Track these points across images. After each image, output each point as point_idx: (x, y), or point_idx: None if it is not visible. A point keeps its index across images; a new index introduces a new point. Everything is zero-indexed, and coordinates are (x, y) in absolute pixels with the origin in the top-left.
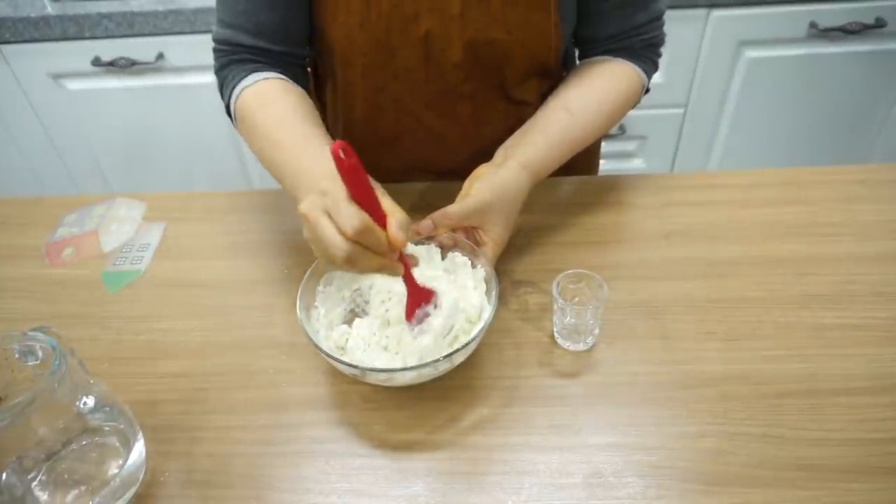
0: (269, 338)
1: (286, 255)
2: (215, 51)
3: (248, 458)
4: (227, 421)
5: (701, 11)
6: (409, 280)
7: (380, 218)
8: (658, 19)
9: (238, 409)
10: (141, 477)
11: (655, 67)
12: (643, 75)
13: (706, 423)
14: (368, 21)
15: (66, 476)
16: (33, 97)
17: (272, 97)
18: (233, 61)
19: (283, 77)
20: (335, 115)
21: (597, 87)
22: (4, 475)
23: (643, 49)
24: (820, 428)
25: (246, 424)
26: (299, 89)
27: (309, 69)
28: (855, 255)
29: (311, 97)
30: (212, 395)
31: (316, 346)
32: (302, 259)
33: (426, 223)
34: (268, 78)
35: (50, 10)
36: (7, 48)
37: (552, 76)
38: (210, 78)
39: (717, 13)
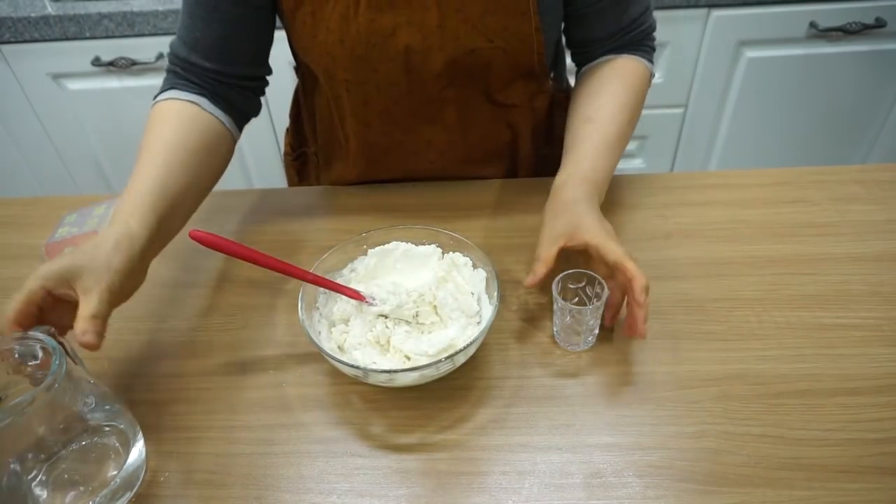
0: (270, 338)
1: (287, 254)
2: (167, 56)
3: (249, 458)
4: (228, 421)
5: (701, 11)
6: (335, 287)
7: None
8: (648, 7)
9: (238, 409)
10: (141, 477)
11: (654, 51)
12: (648, 64)
13: (705, 422)
14: (348, 37)
15: (66, 476)
16: (33, 97)
17: (157, 122)
18: (169, 70)
19: (195, 100)
20: (330, 127)
21: (610, 90)
22: (5, 476)
23: (642, 40)
24: (818, 428)
25: (246, 424)
26: (197, 115)
27: (297, 83)
28: (853, 254)
29: (300, 106)
30: (212, 395)
31: (318, 346)
32: (303, 259)
33: (532, 279)
34: (178, 98)
35: (50, 10)
36: (7, 48)
37: (538, 78)
38: None
39: (717, 13)
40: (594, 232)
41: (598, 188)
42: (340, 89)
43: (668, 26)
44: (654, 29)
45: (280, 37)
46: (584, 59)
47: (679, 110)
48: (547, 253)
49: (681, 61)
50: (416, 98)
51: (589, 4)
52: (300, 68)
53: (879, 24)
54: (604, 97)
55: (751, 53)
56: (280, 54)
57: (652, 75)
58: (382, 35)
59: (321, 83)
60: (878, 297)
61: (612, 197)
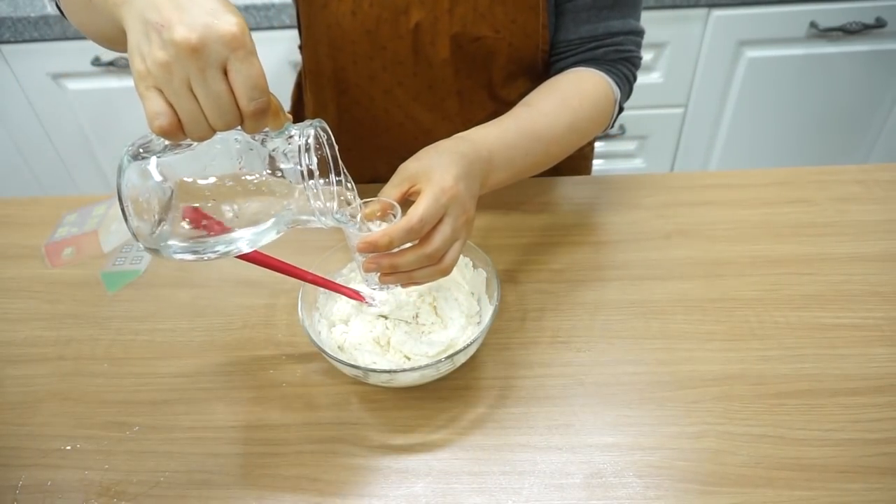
0: (270, 338)
1: (287, 254)
2: None
3: (248, 458)
4: (228, 421)
5: (701, 11)
6: (335, 287)
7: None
8: (634, 34)
9: (238, 410)
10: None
11: (629, 85)
12: (613, 86)
13: (706, 423)
14: (360, 10)
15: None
16: (33, 97)
17: None
18: None
19: None
20: (321, 105)
21: (559, 87)
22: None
23: (616, 61)
24: (818, 428)
25: (246, 424)
26: None
27: (300, 67)
28: (853, 254)
29: (302, 90)
30: (212, 396)
31: (318, 346)
32: (304, 259)
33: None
34: None
35: (50, 10)
36: (7, 48)
37: (541, 77)
38: None
39: (717, 13)
40: (432, 181)
41: (482, 158)
42: (347, 61)
43: (668, 26)
44: (636, 60)
45: (281, 36)
46: (554, 67)
47: (679, 110)
48: (385, 194)
49: (681, 61)
50: (420, 81)
51: (564, 2)
52: (305, 47)
53: (879, 24)
54: (552, 92)
55: (751, 53)
56: (280, 53)
57: (615, 102)
58: (395, 11)
59: (320, 59)
60: (878, 297)
61: (613, 197)
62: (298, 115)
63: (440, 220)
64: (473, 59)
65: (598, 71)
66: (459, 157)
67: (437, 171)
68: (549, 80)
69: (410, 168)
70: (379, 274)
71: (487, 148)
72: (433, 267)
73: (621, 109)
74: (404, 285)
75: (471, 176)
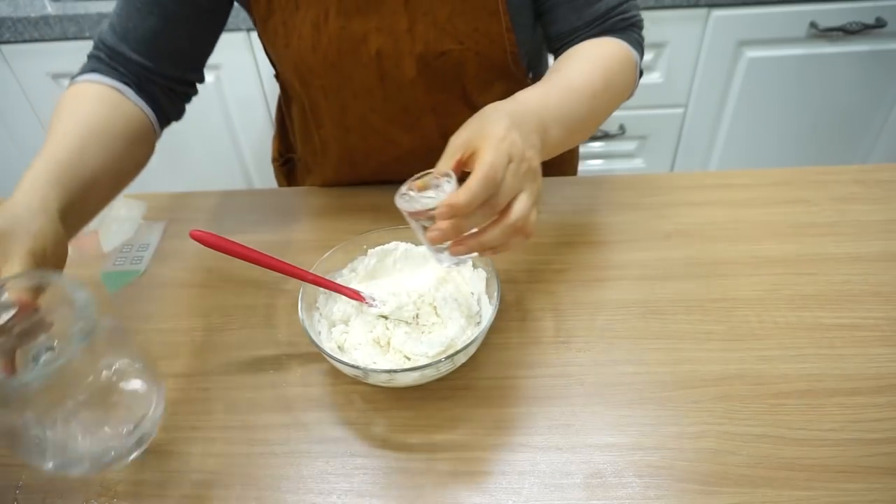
0: (270, 338)
1: (287, 254)
2: (94, 41)
3: (248, 458)
4: (228, 421)
5: (701, 11)
6: (335, 287)
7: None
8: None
9: (238, 410)
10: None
11: (641, 49)
12: (630, 49)
13: (706, 423)
14: (319, 45)
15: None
16: (33, 97)
17: (74, 100)
18: (92, 55)
19: (118, 87)
20: (306, 135)
21: (583, 53)
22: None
23: (625, 29)
24: (818, 428)
25: (246, 424)
26: (121, 104)
27: (279, 92)
28: (853, 254)
29: (283, 113)
30: (212, 395)
31: (318, 346)
32: (303, 259)
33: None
34: (100, 82)
35: (50, 10)
36: (7, 48)
37: (516, 79)
38: (209, 77)
39: (717, 13)
40: (485, 136)
41: (532, 112)
42: (318, 96)
43: (668, 26)
44: (638, 20)
45: None
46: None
47: (679, 110)
48: (441, 167)
49: (681, 61)
50: (393, 106)
51: None
52: (279, 77)
53: (879, 24)
54: (577, 58)
55: (751, 53)
56: None
57: (637, 65)
58: (353, 42)
59: (297, 91)
60: (878, 297)
61: (613, 197)
62: (284, 139)
63: None
64: (443, 74)
65: (613, 38)
66: (505, 114)
67: (487, 127)
68: (569, 51)
69: (461, 136)
70: (449, 244)
71: (535, 104)
72: (502, 222)
73: (641, 73)
74: (481, 253)
75: (523, 127)
